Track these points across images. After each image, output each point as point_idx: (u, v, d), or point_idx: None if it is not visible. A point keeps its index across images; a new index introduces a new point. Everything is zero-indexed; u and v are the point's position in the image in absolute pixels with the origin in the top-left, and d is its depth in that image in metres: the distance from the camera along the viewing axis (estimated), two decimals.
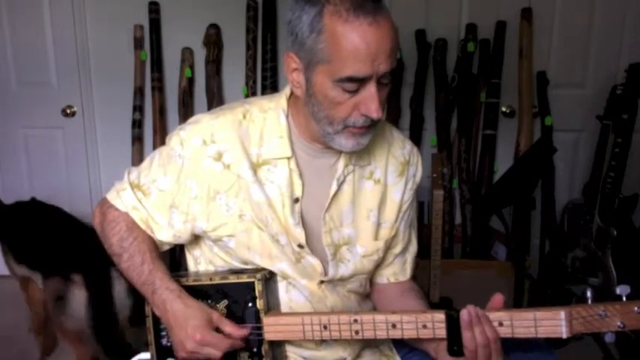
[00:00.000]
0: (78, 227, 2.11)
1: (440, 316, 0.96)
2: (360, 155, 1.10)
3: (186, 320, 1.01)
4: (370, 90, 0.93)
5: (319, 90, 0.96)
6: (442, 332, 0.96)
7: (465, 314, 0.93)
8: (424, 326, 0.96)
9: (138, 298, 1.19)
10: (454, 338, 0.95)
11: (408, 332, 0.97)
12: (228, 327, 1.03)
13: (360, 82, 0.93)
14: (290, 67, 1.00)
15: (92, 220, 1.18)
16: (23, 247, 2.07)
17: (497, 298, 0.96)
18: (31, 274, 2.03)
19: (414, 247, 1.23)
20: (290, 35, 0.97)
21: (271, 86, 2.57)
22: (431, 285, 2.29)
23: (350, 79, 0.92)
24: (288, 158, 1.05)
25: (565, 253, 2.40)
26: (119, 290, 1.95)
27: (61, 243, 1.99)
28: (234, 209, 1.06)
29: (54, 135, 2.77)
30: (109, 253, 1.13)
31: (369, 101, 0.94)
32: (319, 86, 0.96)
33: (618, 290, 0.90)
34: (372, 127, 0.99)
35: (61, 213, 2.22)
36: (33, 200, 2.31)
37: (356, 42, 0.90)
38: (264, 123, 1.07)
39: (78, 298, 1.87)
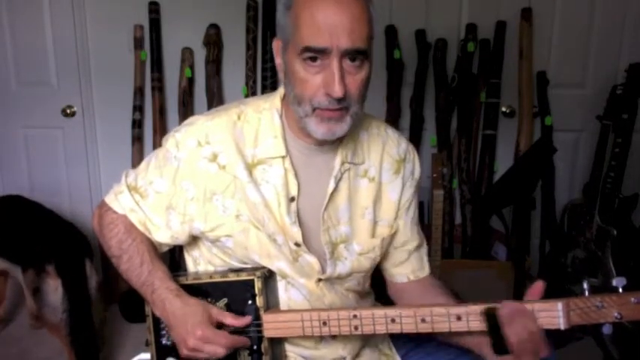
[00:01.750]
0: (56, 221, 2.15)
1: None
2: (355, 153, 1.10)
3: (186, 318, 1.02)
4: (331, 66, 0.93)
5: (290, 68, 0.97)
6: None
7: (505, 311, 0.92)
8: (422, 320, 0.96)
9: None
10: (497, 336, 0.93)
11: (407, 327, 0.97)
12: (229, 319, 1.03)
13: (321, 54, 0.93)
14: (277, 52, 1.03)
15: (91, 222, 1.19)
16: (3, 240, 2.10)
17: (538, 286, 0.94)
18: (10, 267, 2.06)
19: (425, 243, 1.24)
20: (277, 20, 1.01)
21: (271, 86, 2.57)
22: None
23: (308, 49, 0.92)
24: (283, 157, 1.05)
25: (565, 253, 2.41)
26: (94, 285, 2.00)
27: (38, 236, 2.03)
28: (231, 210, 1.06)
29: (54, 135, 2.77)
30: (109, 255, 1.14)
31: (330, 78, 0.93)
32: (290, 64, 0.97)
33: (614, 282, 0.91)
34: (342, 112, 0.97)
35: (40, 208, 2.25)
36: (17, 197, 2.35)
37: (313, 12, 0.91)
38: (259, 123, 1.07)
39: (52, 288, 1.91)
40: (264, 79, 2.61)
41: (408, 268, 1.20)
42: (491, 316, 0.93)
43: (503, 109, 2.63)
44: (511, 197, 2.46)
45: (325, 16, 0.91)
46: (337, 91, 0.93)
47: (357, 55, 0.94)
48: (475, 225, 2.62)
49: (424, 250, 1.23)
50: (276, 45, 1.03)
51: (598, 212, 2.26)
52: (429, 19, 2.59)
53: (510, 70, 2.57)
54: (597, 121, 2.33)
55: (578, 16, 2.56)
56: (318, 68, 0.94)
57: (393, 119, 2.58)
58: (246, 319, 1.04)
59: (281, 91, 1.08)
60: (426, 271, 1.22)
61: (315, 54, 0.93)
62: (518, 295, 2.39)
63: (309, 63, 0.94)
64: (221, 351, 1.01)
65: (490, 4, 2.56)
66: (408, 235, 1.18)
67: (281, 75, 1.03)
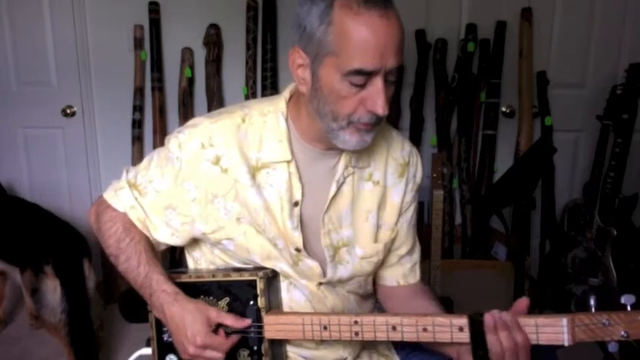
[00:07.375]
0: (53, 222, 2.16)
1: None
2: (360, 157, 1.09)
3: (184, 324, 1.00)
4: (377, 85, 0.92)
5: (325, 84, 0.94)
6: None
7: (489, 318, 0.91)
8: (424, 329, 0.95)
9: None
10: (479, 343, 0.92)
11: (408, 335, 0.96)
12: (229, 320, 1.02)
13: (368, 75, 0.91)
14: (295, 63, 0.98)
15: (88, 219, 1.17)
16: (1, 241, 2.10)
17: (522, 303, 0.93)
18: (8, 268, 2.06)
19: (418, 249, 1.23)
20: (298, 29, 0.96)
21: (271, 86, 2.57)
22: (431, 285, 2.29)
23: (358, 72, 0.91)
24: (288, 162, 1.05)
25: (565, 253, 2.41)
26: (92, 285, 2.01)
27: (35, 237, 2.04)
28: (232, 212, 1.05)
29: (54, 135, 2.76)
30: (107, 252, 1.13)
31: (376, 97, 0.92)
32: (326, 80, 0.94)
33: (623, 299, 0.88)
34: (376, 124, 0.98)
35: (38, 209, 2.26)
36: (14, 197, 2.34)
37: (365, 34, 0.89)
38: (263, 127, 1.06)
39: (51, 288, 1.92)
40: (264, 79, 2.60)
41: (399, 271, 1.19)
42: (475, 322, 0.92)
43: (503, 109, 2.63)
44: (511, 197, 2.45)
45: (378, 38, 0.89)
46: (383, 110, 0.93)
47: (396, 71, 0.93)
48: (475, 225, 2.62)
49: (416, 255, 1.21)
50: (298, 56, 0.97)
51: (598, 212, 2.26)
52: (429, 19, 2.59)
53: (510, 70, 2.57)
54: (597, 121, 2.33)
55: (578, 16, 2.56)
56: (361, 86, 0.93)
57: (393, 119, 2.58)
58: (247, 322, 1.03)
59: (285, 94, 1.08)
60: (416, 277, 1.21)
61: (363, 75, 0.91)
62: (518, 295, 2.39)
63: (354, 82, 0.92)
64: (221, 356, 1.00)
65: (490, 4, 2.56)
66: (403, 238, 1.17)
67: (303, 88, 0.99)
